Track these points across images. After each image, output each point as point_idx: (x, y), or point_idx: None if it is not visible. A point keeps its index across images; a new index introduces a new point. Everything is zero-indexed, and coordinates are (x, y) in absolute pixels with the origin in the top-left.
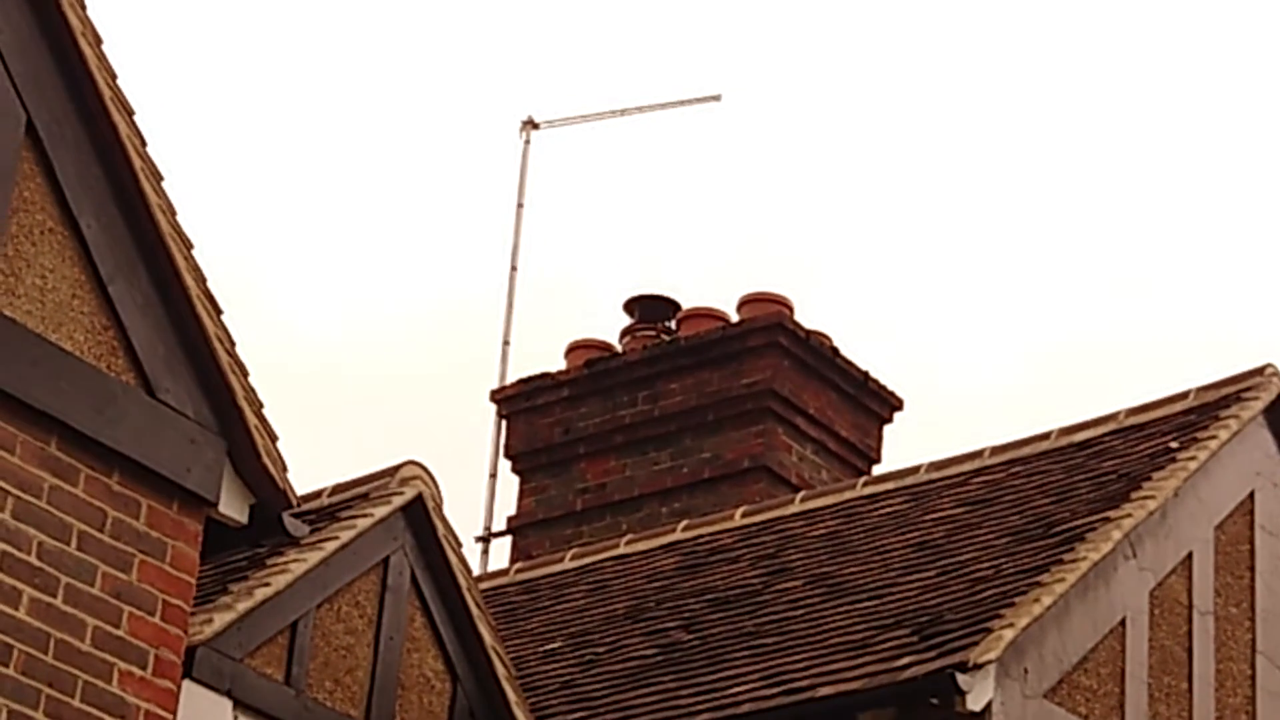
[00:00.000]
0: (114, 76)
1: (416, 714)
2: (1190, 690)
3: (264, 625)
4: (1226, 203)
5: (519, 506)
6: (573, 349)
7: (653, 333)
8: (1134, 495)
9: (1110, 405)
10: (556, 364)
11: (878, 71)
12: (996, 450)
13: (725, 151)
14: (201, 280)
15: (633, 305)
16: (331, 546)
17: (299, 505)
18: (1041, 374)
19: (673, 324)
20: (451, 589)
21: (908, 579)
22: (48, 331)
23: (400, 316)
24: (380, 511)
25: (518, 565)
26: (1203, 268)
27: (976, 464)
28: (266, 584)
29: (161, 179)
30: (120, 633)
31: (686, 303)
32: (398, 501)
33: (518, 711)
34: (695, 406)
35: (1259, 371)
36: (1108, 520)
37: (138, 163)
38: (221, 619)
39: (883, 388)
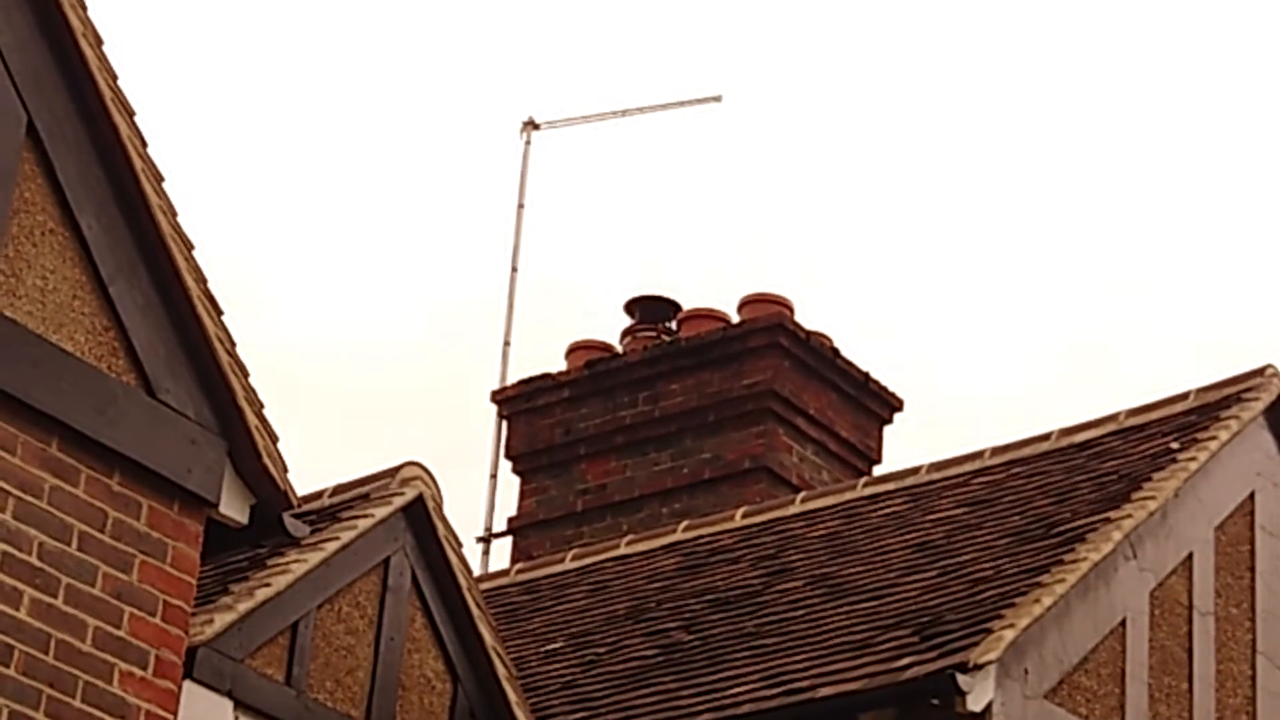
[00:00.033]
0: (115, 77)
1: (417, 714)
2: (1190, 691)
3: (265, 626)
4: (1226, 203)
5: (520, 507)
6: (573, 350)
7: (653, 333)
8: (1134, 496)
9: (1110, 406)
10: (557, 365)
11: (878, 72)
12: (997, 451)
13: (726, 152)
14: (202, 281)
15: (633, 306)
16: (332, 547)
17: (299, 506)
18: (1042, 374)
19: (673, 325)
20: (452, 589)
21: (908, 580)
22: (48, 332)
23: (401, 317)
24: (381, 512)
25: (518, 566)
26: (1203, 268)
27: (977, 464)
28: (267, 584)
29: (162, 180)
30: (121, 633)
31: (687, 303)
32: (398, 502)
33: (518, 712)
34: (696, 407)
35: (1259, 372)
36: (1108, 521)
37: (139, 164)
38: (222, 619)
39: (883, 388)
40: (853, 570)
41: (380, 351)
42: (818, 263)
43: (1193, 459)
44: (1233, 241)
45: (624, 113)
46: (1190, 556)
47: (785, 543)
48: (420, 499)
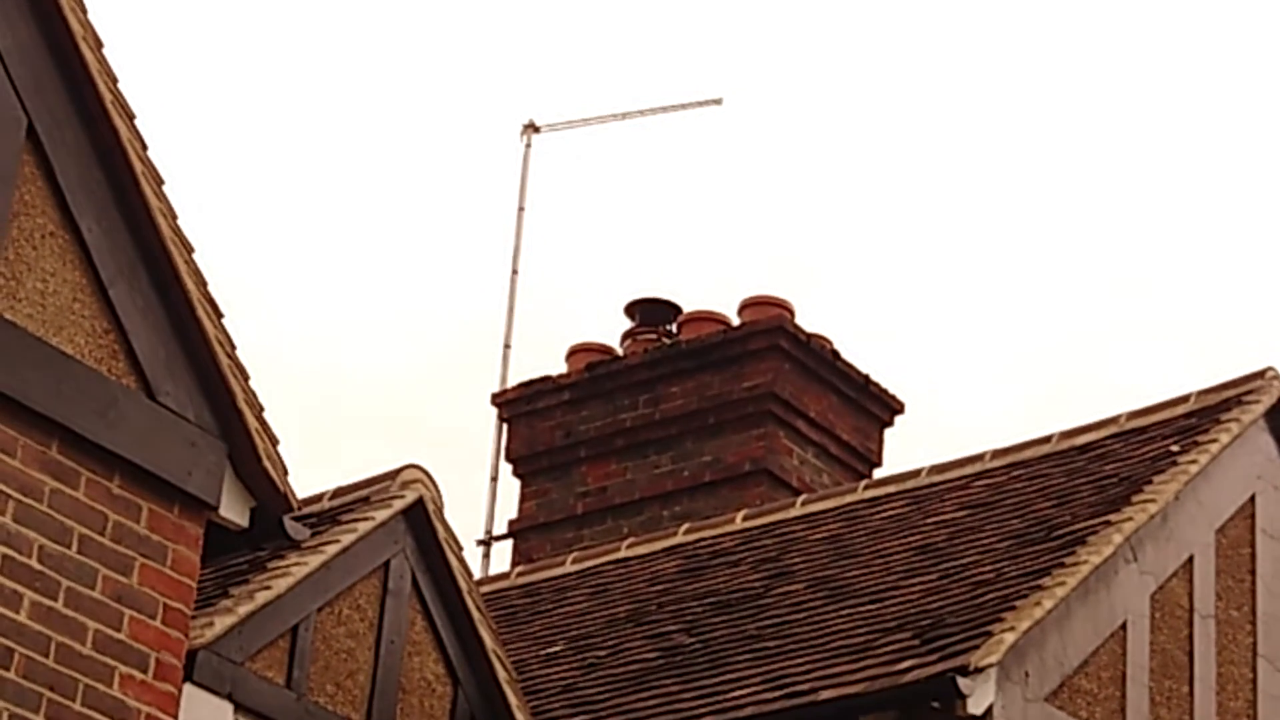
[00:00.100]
0: (115, 80)
1: (417, 717)
2: (1191, 694)
3: (265, 628)
4: (1226, 203)
5: (520, 510)
6: (574, 352)
7: (654, 336)
8: (1135, 499)
9: (1111, 408)
10: (557, 367)
11: (878, 75)
12: (997, 453)
13: (726, 155)
14: (202, 284)
15: (633, 308)
16: (332, 550)
17: (300, 509)
18: (1042, 376)
19: (673, 327)
20: (452, 592)
21: (909, 582)
22: (49, 335)
23: (401, 320)
24: (381, 515)
25: (519, 569)
26: (1202, 268)
27: (977, 467)
28: (267, 587)
29: (162, 183)
30: (121, 636)
31: (687, 306)
32: (399, 505)
33: (519, 715)
34: (696, 410)
35: (1260, 375)
36: (1109, 524)
37: (139, 166)
38: (222, 622)
39: (883, 391)
40: (853, 573)
41: (381, 354)
42: (818, 265)
43: (1193, 462)
44: (1233, 242)
45: (624, 115)
46: (1191, 559)
47: (786, 545)
48: (420, 502)
